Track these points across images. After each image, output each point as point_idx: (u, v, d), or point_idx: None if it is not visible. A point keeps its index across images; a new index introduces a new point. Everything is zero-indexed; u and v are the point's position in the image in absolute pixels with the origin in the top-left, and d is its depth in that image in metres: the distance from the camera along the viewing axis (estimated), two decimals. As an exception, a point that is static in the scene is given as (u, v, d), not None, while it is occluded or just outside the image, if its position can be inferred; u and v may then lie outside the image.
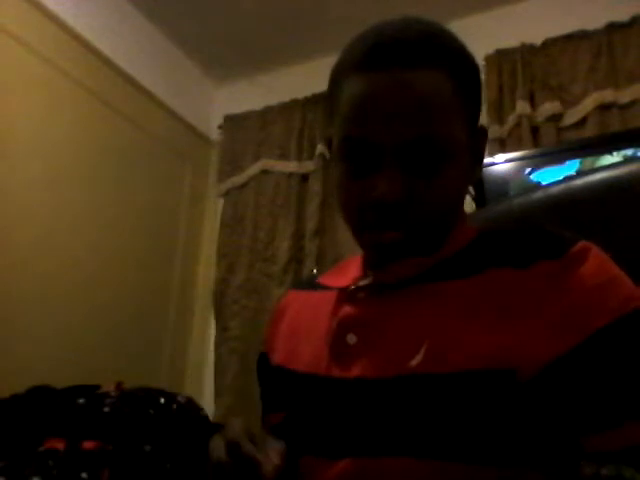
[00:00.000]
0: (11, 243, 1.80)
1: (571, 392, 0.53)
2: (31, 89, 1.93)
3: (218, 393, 2.36)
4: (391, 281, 0.64)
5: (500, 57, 2.18)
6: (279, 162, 2.55)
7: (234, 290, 2.47)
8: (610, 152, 1.60)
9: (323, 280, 0.77)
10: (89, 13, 2.17)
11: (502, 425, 0.53)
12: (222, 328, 2.44)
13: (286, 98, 2.60)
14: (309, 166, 2.48)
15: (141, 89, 2.39)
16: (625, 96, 1.97)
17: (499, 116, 2.12)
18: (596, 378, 0.53)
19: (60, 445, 1.28)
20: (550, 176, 1.66)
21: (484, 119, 2.07)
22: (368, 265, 0.70)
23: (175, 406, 1.53)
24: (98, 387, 1.54)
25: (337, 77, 0.65)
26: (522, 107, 2.07)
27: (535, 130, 2.07)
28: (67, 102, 2.05)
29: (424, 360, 0.56)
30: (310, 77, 2.56)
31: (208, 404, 2.22)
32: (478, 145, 0.68)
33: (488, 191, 1.64)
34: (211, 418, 1.88)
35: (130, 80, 2.33)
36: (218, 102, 2.84)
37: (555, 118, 2.06)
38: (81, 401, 1.43)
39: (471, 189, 1.56)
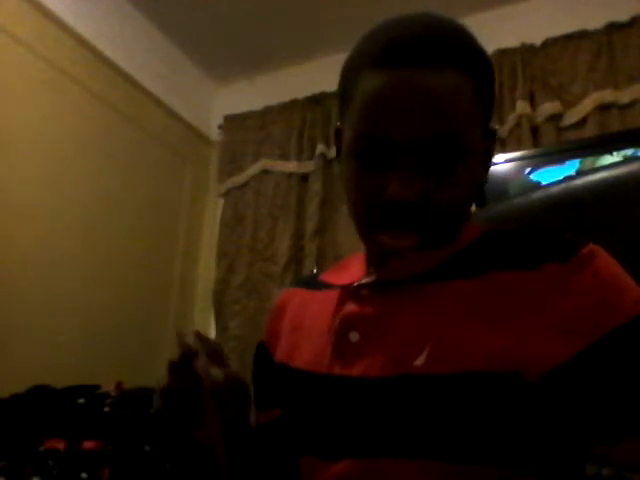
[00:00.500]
0: (11, 243, 1.80)
1: (579, 396, 0.53)
2: (31, 89, 1.93)
3: (218, 393, 2.35)
4: (396, 278, 0.63)
5: (500, 57, 2.17)
6: (279, 162, 2.55)
7: (234, 290, 2.47)
8: (610, 152, 1.60)
9: (325, 278, 0.76)
10: (89, 13, 2.17)
11: (504, 427, 0.52)
12: (222, 328, 2.44)
13: (286, 98, 2.60)
14: (309, 166, 2.48)
15: (141, 89, 2.38)
16: (625, 96, 1.97)
17: (499, 116, 2.12)
18: (607, 380, 0.52)
19: (60, 445, 1.28)
20: (550, 176, 1.66)
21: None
22: (371, 262, 0.69)
23: (175, 406, 1.52)
24: (98, 387, 1.54)
25: (351, 72, 0.63)
26: (522, 107, 2.07)
27: (535, 130, 2.07)
28: (67, 102, 2.05)
29: (428, 360, 0.55)
30: (310, 77, 2.56)
31: (208, 404, 2.22)
32: (489, 147, 0.68)
33: (488, 191, 1.63)
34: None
35: (130, 80, 2.33)
36: (218, 102, 2.84)
37: (555, 118, 2.06)
38: (81, 401, 1.43)
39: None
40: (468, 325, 0.56)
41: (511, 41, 2.19)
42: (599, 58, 2.04)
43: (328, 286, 0.72)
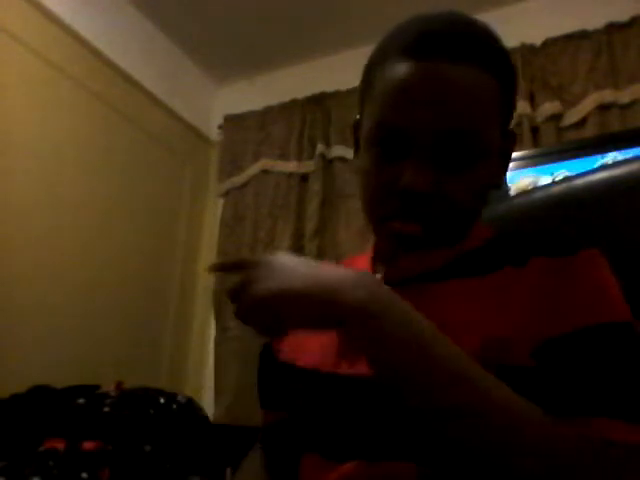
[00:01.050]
0: (11, 243, 1.80)
1: (551, 377, 0.53)
2: (31, 89, 1.93)
3: (218, 393, 2.35)
4: (403, 276, 0.64)
5: (500, 57, 2.18)
6: (279, 162, 2.55)
7: (234, 290, 2.47)
8: (610, 152, 1.60)
9: None
10: (89, 13, 2.17)
11: None
12: (222, 328, 2.44)
13: (286, 98, 2.60)
14: (309, 166, 2.48)
15: (141, 89, 2.38)
16: (625, 96, 1.97)
17: (499, 116, 2.12)
18: (572, 368, 0.53)
19: (60, 445, 1.28)
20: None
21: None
22: (379, 259, 0.69)
23: (175, 406, 1.53)
24: (98, 387, 1.54)
25: (377, 62, 0.63)
26: (522, 107, 2.07)
27: (535, 130, 2.07)
28: (67, 102, 2.05)
29: None
30: (310, 77, 2.56)
31: (208, 404, 2.22)
32: (508, 149, 0.68)
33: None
34: (211, 418, 1.88)
35: (130, 80, 2.33)
36: (218, 102, 2.84)
37: (555, 118, 2.05)
38: (81, 401, 1.43)
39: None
40: (470, 325, 0.56)
41: (511, 41, 2.17)
42: (599, 58, 2.04)
43: None
